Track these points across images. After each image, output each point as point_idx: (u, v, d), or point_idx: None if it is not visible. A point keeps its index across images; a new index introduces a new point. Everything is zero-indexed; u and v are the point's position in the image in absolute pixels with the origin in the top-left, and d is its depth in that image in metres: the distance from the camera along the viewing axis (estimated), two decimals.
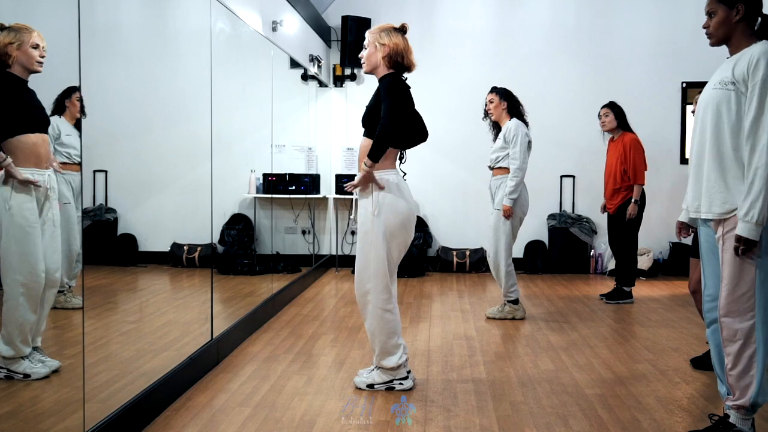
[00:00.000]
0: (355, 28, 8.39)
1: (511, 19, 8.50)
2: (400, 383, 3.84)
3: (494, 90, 5.85)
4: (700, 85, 8.27)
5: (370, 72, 3.81)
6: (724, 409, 3.07)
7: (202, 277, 6.14)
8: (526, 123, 5.87)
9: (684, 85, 8.26)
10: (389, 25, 3.80)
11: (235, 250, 7.37)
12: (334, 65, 8.60)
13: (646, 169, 6.42)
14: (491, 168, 5.93)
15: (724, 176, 2.92)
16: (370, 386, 3.85)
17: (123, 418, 3.11)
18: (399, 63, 3.73)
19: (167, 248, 6.00)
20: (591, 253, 8.29)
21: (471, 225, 8.48)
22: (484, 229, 8.47)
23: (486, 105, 5.95)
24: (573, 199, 8.43)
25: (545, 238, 8.38)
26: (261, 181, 7.52)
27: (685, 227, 3.33)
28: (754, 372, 2.91)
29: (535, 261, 8.28)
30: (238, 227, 7.49)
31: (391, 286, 3.79)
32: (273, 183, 7.85)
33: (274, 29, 5.88)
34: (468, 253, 8.33)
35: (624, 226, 6.41)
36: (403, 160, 4.01)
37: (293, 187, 8.04)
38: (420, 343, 4.92)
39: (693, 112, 3.49)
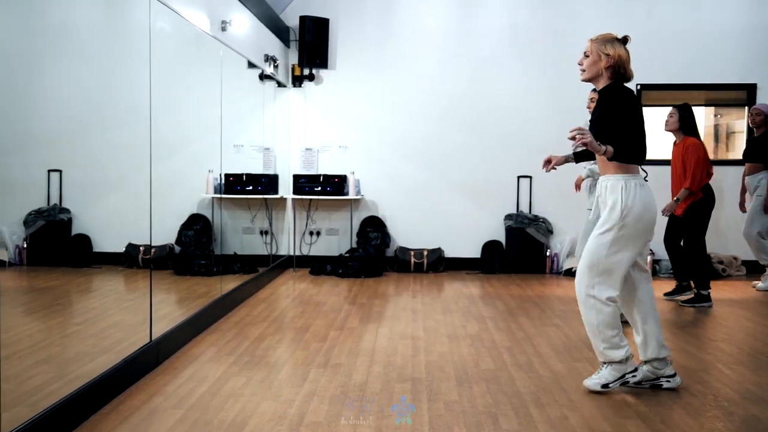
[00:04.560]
0: (313, 28, 8.39)
1: (471, 20, 8.54)
2: (633, 375, 3.84)
3: (596, 89, 5.71)
4: (654, 87, 8.42)
5: (589, 80, 3.87)
6: None
7: (156, 278, 6.10)
8: None
9: (639, 87, 8.36)
10: (612, 35, 3.83)
11: (192, 250, 7.31)
12: (293, 65, 8.58)
13: (707, 175, 6.24)
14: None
15: None
16: (605, 386, 3.82)
17: (46, 422, 3.07)
18: (621, 74, 3.78)
19: (122, 249, 5.94)
20: (547, 253, 8.35)
21: (429, 225, 8.51)
22: (442, 229, 8.54)
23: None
24: (530, 200, 8.49)
25: (502, 238, 8.43)
26: (219, 181, 7.47)
27: None
28: None
29: (491, 261, 8.33)
30: (196, 228, 7.43)
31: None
32: (231, 183, 7.81)
33: (223, 29, 5.85)
34: (426, 253, 8.36)
35: (689, 228, 6.32)
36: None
37: (251, 187, 8.01)
38: (365, 344, 4.93)
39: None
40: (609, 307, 3.75)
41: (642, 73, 8.30)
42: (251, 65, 7.31)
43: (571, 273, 8.07)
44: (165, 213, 6.65)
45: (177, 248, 7.17)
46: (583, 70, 3.87)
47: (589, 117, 5.77)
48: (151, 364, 4.24)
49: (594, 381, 3.86)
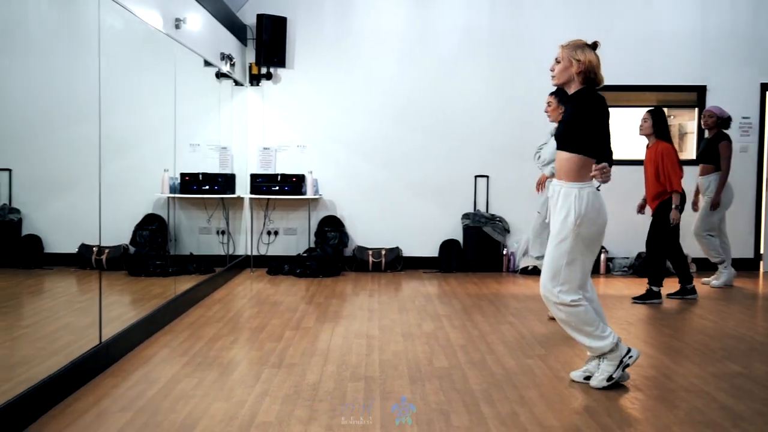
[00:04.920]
0: (270, 26, 8.34)
1: (428, 21, 8.58)
2: (629, 356, 3.91)
3: (553, 93, 5.76)
4: (608, 89, 8.53)
5: (561, 85, 3.97)
6: None
7: (110, 279, 6.00)
8: None
9: None
10: (581, 41, 3.91)
11: (147, 251, 7.22)
12: (250, 64, 8.52)
13: (681, 176, 6.47)
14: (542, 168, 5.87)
15: None
16: (610, 379, 3.89)
17: None
18: (591, 79, 3.86)
19: (75, 249, 5.84)
20: (504, 252, 8.44)
21: (387, 225, 8.54)
22: (400, 228, 8.57)
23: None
24: (487, 199, 8.57)
25: (460, 237, 8.49)
26: (176, 180, 7.39)
27: None
28: None
29: (449, 260, 8.39)
30: (151, 228, 7.34)
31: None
32: (187, 182, 7.73)
33: (177, 27, 5.79)
34: (384, 252, 8.38)
35: (658, 226, 6.53)
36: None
37: (207, 187, 7.93)
38: (321, 343, 4.92)
39: None
40: (578, 307, 3.84)
41: None
42: (207, 63, 7.25)
43: (527, 271, 8.17)
44: (119, 213, 6.56)
45: (132, 249, 7.08)
46: (554, 76, 3.95)
47: (546, 120, 5.88)
48: (100, 366, 4.18)
49: (598, 379, 3.92)
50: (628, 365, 3.94)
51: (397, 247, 8.47)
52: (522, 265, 8.27)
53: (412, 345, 4.90)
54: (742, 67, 8.51)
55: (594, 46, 3.90)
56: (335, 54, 8.57)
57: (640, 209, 6.83)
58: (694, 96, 8.61)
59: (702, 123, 7.47)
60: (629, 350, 3.95)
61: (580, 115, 3.83)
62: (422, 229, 8.54)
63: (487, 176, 8.57)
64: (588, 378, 4.00)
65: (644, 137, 6.73)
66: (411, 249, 8.53)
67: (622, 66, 8.43)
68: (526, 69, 8.47)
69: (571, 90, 3.93)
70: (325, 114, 8.58)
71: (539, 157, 5.87)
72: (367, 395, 3.79)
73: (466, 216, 8.48)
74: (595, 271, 8.22)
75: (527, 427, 3.36)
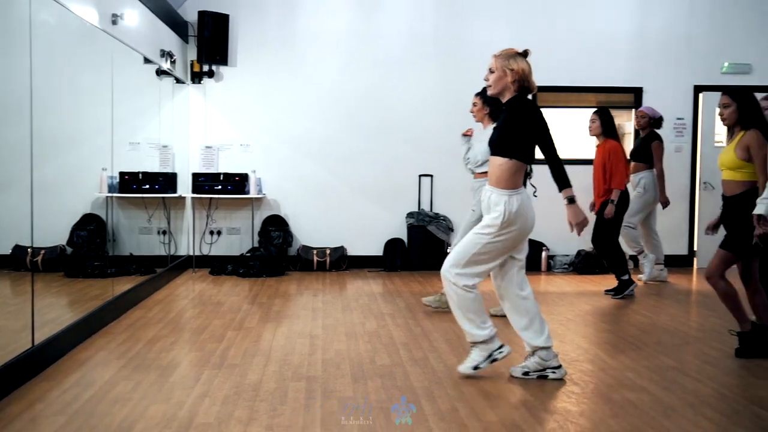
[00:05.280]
0: (212, 23, 8.24)
1: (373, 23, 8.59)
2: (500, 352, 4.09)
3: (479, 94, 5.77)
4: (549, 90, 8.71)
5: (497, 95, 4.03)
6: None
7: (46, 281, 5.84)
8: None
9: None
10: (513, 50, 3.99)
11: (85, 251, 7.05)
12: (192, 61, 8.40)
13: (627, 175, 6.73)
14: (473, 171, 5.91)
15: None
16: (476, 368, 4.07)
17: None
18: (525, 87, 3.95)
19: (8, 251, 5.66)
20: (448, 250, 8.48)
21: (332, 224, 8.52)
22: (345, 227, 8.56)
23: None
24: (431, 198, 8.64)
25: (404, 236, 8.54)
26: (115, 180, 7.22)
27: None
28: None
29: (394, 258, 8.42)
30: (89, 228, 7.16)
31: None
32: (127, 182, 7.57)
33: (114, 22, 5.66)
34: (328, 251, 8.36)
35: (604, 224, 6.70)
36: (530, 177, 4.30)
37: (148, 186, 7.78)
38: (263, 343, 4.89)
39: None
40: (470, 293, 3.97)
41: (538, 76, 8.68)
42: (147, 61, 7.11)
43: None
44: (55, 213, 6.38)
45: (69, 249, 6.90)
46: (490, 85, 4.03)
47: (473, 120, 5.95)
48: (33, 370, 4.06)
49: (465, 366, 4.09)
50: (496, 359, 4.10)
51: (342, 247, 8.47)
52: None
53: (355, 344, 4.90)
54: (677, 69, 8.77)
55: (525, 54, 3.99)
56: (279, 53, 8.52)
57: (593, 208, 7.00)
58: (632, 97, 8.84)
59: (635, 123, 7.71)
60: (501, 346, 4.11)
61: (514, 122, 3.93)
62: (367, 228, 8.55)
63: (431, 176, 8.63)
64: (526, 374, 4.07)
65: (594, 137, 6.93)
66: (356, 248, 8.54)
67: (562, 68, 8.61)
68: (468, 72, 8.50)
69: (506, 98, 4.02)
70: (268, 113, 8.52)
71: (469, 159, 5.99)
72: (308, 395, 3.78)
73: (410, 215, 8.52)
74: (537, 269, 8.38)
75: (466, 422, 3.40)
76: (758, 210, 4.17)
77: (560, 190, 3.98)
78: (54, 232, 6.45)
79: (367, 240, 8.55)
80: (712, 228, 4.81)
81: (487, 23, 8.56)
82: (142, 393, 3.79)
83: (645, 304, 6.48)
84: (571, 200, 3.98)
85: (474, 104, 5.81)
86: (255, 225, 8.44)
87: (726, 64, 8.76)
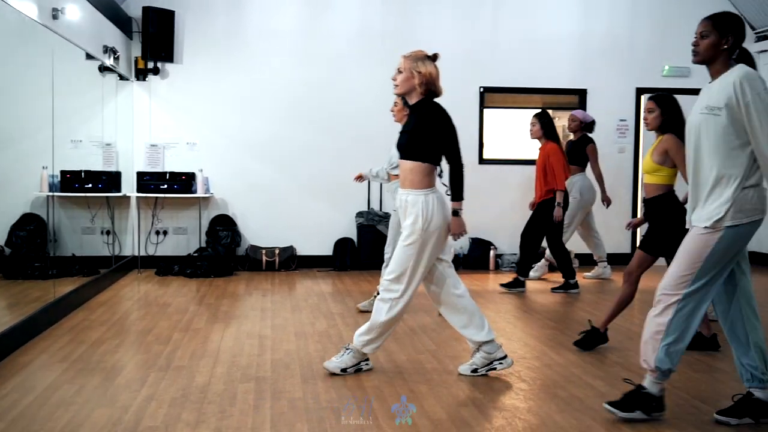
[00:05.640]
0: (156, 19, 8.08)
1: (320, 20, 8.55)
2: (366, 363, 4.19)
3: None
4: (496, 90, 8.83)
5: (403, 95, 4.10)
6: None
7: None
8: None
9: (482, 89, 8.75)
10: (422, 52, 4.03)
11: (25, 252, 6.84)
12: (136, 58, 8.22)
13: (566, 176, 6.85)
14: (388, 173, 5.87)
15: (724, 193, 3.20)
16: (344, 371, 4.11)
17: None
18: (431, 90, 4.00)
19: None
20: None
21: (281, 223, 8.46)
22: (295, 226, 8.51)
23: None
24: (380, 197, 8.65)
25: (354, 236, 8.53)
26: (56, 178, 7.03)
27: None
28: None
29: (343, 258, 8.41)
30: (29, 228, 6.96)
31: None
32: (68, 180, 7.37)
33: (54, 17, 5.50)
34: (277, 251, 8.30)
35: (547, 225, 6.85)
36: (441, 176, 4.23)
37: (91, 185, 7.60)
38: (211, 344, 4.82)
39: None
40: (397, 310, 4.01)
41: (485, 76, 8.82)
42: (90, 57, 6.94)
43: None
44: None
45: (7, 250, 6.69)
46: (397, 85, 4.05)
47: (392, 118, 5.96)
48: None
49: (334, 364, 4.13)
50: (361, 369, 4.15)
51: (291, 246, 8.41)
52: None
53: (305, 344, 4.88)
54: (619, 72, 8.98)
55: (434, 58, 4.03)
56: (226, 50, 8.41)
57: (532, 207, 7.11)
58: (576, 99, 9.01)
59: (567, 126, 7.81)
60: (368, 359, 4.20)
61: (423, 125, 3.97)
62: (316, 227, 8.51)
63: None
64: (475, 371, 4.11)
65: (536, 140, 7.05)
66: (305, 248, 8.49)
67: (508, 69, 8.73)
68: None
69: (413, 100, 4.06)
70: (215, 111, 8.40)
71: (377, 175, 6.08)
72: (257, 395, 3.74)
73: (359, 214, 8.52)
74: (485, 267, 8.47)
75: (416, 420, 3.41)
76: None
77: (452, 199, 4.02)
78: None
79: (316, 239, 8.52)
80: (633, 225, 5.25)
81: (434, 22, 8.61)
82: (85, 397, 3.70)
83: (589, 301, 6.62)
84: (456, 213, 4.02)
85: (395, 104, 5.83)
86: (202, 225, 8.32)
87: (666, 67, 9.01)
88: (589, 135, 7.67)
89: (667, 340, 3.30)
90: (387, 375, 4.15)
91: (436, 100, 4.09)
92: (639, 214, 8.67)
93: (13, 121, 6.45)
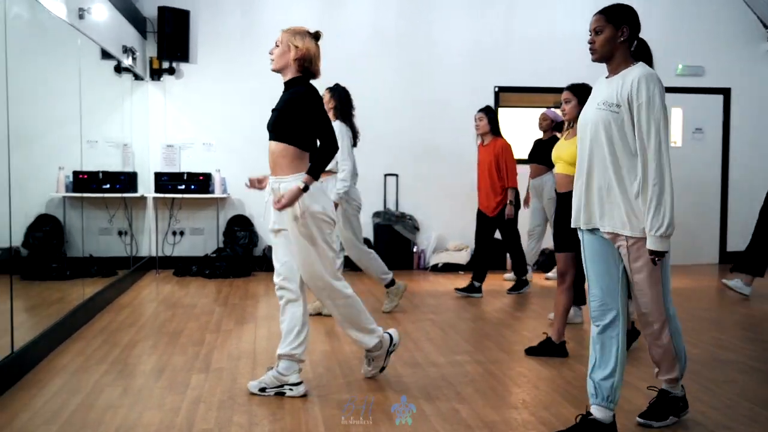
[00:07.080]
0: (172, 19, 8.05)
1: (335, 19, 8.52)
2: (291, 388, 3.78)
3: (330, 88, 5.75)
4: (510, 90, 8.83)
5: (278, 71, 3.80)
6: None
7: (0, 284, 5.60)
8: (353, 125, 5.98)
9: (497, 89, 8.74)
10: (304, 28, 3.78)
11: (42, 253, 6.80)
12: (151, 58, 8.18)
13: (516, 173, 6.74)
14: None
15: (625, 194, 3.05)
16: (262, 390, 3.77)
17: None
18: (307, 68, 3.75)
19: None
20: (414, 250, 8.53)
21: None
22: None
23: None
24: (396, 197, 8.64)
25: (371, 236, 8.51)
26: (71, 179, 6.98)
27: None
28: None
29: None
30: (45, 229, 6.91)
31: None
32: (85, 181, 7.32)
33: (81, 17, 5.47)
34: None
35: (504, 226, 6.73)
36: None
37: (108, 186, 7.55)
38: (246, 345, 4.80)
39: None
40: (350, 298, 3.92)
41: (500, 76, 8.81)
42: (105, 56, 6.88)
43: (437, 269, 8.29)
44: (7, 214, 6.12)
45: (24, 251, 6.64)
46: (272, 60, 3.81)
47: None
48: (12, 378, 3.89)
49: (254, 384, 3.80)
50: (284, 394, 3.71)
51: None
52: (433, 262, 8.39)
53: (339, 344, 4.86)
54: None
55: (316, 36, 3.79)
56: (240, 49, 8.38)
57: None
58: None
59: (538, 125, 7.50)
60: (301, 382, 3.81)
61: (294, 105, 3.67)
62: None
63: (396, 175, 8.63)
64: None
65: (480, 136, 6.83)
66: None
67: (523, 68, 8.72)
68: (432, 70, 8.60)
69: (287, 77, 3.78)
70: (230, 111, 8.37)
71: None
72: (305, 398, 3.72)
73: (376, 214, 8.50)
74: (502, 268, 8.45)
75: (469, 422, 3.40)
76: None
77: (307, 172, 3.62)
78: (7, 234, 6.21)
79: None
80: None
81: (448, 25, 8.60)
82: (132, 399, 3.67)
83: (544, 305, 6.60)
84: (306, 188, 3.59)
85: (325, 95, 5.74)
86: (220, 225, 8.28)
87: (680, 66, 9.03)
88: (558, 135, 7.51)
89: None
90: (430, 377, 4.13)
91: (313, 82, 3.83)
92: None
93: (29, 122, 6.40)
